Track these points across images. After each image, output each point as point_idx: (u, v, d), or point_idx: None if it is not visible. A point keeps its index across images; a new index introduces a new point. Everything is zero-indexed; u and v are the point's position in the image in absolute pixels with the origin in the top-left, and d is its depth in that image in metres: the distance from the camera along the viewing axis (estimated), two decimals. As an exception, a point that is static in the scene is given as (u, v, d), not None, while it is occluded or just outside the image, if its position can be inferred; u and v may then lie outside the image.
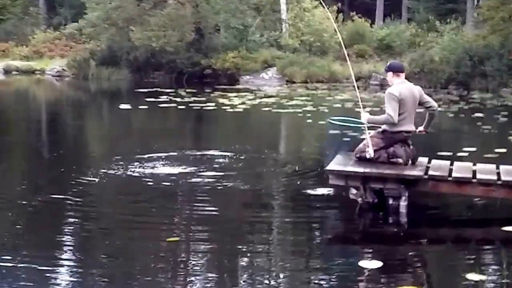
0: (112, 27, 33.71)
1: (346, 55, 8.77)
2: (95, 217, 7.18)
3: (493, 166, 7.59)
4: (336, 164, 7.61)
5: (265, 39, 33.24)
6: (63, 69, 35.53)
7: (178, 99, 21.41)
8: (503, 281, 5.27)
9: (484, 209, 7.64)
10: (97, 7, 34.46)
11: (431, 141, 13.09)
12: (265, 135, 14.94)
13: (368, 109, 8.22)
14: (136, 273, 5.41)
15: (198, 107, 19.26)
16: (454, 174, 7.17)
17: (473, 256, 6.06)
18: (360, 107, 7.93)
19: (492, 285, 5.25)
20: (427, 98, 7.85)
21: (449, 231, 6.91)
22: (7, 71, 37.36)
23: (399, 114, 7.50)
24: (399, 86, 7.65)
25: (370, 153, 7.47)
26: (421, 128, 7.96)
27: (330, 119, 8.56)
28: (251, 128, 16.73)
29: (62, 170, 9.48)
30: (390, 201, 7.36)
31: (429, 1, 39.58)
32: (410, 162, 7.57)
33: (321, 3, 9.76)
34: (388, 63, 8.07)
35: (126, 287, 5.24)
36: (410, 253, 6.12)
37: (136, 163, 9.67)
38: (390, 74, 7.79)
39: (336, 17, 35.02)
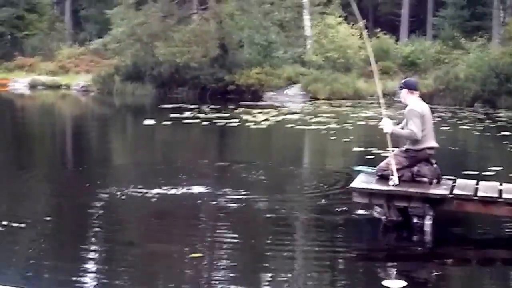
0: (137, 42, 34.09)
1: (375, 70, 8.67)
2: (118, 238, 7.12)
3: (520, 186, 7.49)
4: (360, 181, 7.59)
5: (289, 56, 33.36)
6: (88, 84, 35.92)
7: (202, 115, 21.48)
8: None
9: (510, 229, 7.52)
10: (122, 23, 34.89)
11: (457, 160, 13.00)
12: (289, 152, 14.90)
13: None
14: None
15: (222, 123, 19.29)
16: (479, 194, 7.11)
17: (499, 277, 6.01)
18: (384, 114, 7.80)
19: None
20: None
21: (474, 251, 6.83)
22: (33, 86, 37.85)
23: (421, 131, 7.50)
24: (419, 103, 7.67)
25: (394, 180, 7.36)
26: None
27: (353, 168, 8.56)
28: (275, 144, 16.71)
29: (88, 185, 9.49)
30: (415, 220, 7.31)
31: (454, 18, 39.49)
32: (435, 181, 7.52)
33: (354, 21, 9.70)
34: (403, 80, 8.04)
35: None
36: (435, 273, 6.07)
37: (159, 181, 9.62)
38: (404, 91, 7.76)
39: (361, 34, 35.07)
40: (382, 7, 46.88)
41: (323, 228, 7.57)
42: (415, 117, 7.49)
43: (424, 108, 7.66)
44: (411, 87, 7.78)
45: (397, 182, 7.37)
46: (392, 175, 7.41)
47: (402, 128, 7.74)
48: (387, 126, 7.64)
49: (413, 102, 7.66)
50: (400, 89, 7.83)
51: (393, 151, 7.64)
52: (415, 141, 7.54)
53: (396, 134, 7.72)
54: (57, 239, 7.07)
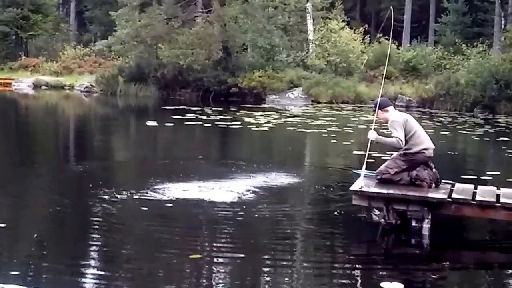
0: (141, 44, 34.21)
1: (385, 72, 8.82)
2: (119, 239, 7.10)
3: (517, 191, 7.56)
4: (360, 184, 7.66)
5: (291, 59, 33.45)
6: (91, 85, 36.07)
7: (204, 117, 21.59)
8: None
9: (507, 233, 7.63)
10: (126, 25, 35.02)
11: (455, 164, 13.09)
12: (290, 154, 14.94)
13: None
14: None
15: (224, 126, 19.39)
16: (477, 198, 7.18)
17: (495, 280, 6.08)
18: (372, 126, 8.08)
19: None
20: None
21: (471, 255, 6.91)
22: (36, 86, 37.99)
23: (413, 134, 7.68)
24: (397, 113, 7.94)
25: (361, 184, 7.59)
26: None
27: (354, 171, 8.63)
28: (276, 147, 16.77)
29: (90, 186, 9.47)
30: (413, 223, 7.35)
31: (456, 24, 39.59)
32: (433, 184, 7.63)
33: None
34: (373, 104, 8.17)
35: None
36: (432, 276, 6.12)
37: (160, 182, 9.61)
38: (379, 112, 7.98)
39: (363, 39, 35.20)
40: (385, 13, 46.95)
41: (321, 230, 7.64)
42: (397, 126, 7.68)
43: (405, 115, 7.92)
44: (383, 106, 8.00)
45: (363, 185, 7.57)
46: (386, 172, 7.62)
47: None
48: (371, 133, 7.91)
49: (392, 115, 7.88)
50: (374, 113, 8.03)
51: (391, 155, 7.78)
52: (411, 145, 7.68)
53: (380, 141, 7.94)
54: (57, 239, 7.07)
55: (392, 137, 7.76)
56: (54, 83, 38.28)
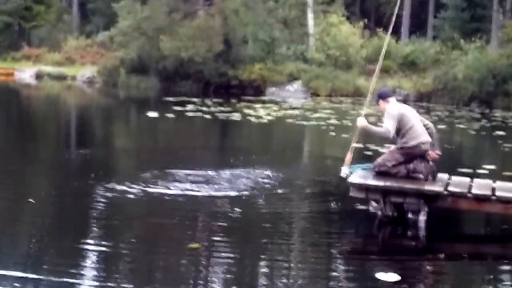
0: (143, 36, 34.31)
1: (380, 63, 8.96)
2: (116, 231, 7.08)
3: (513, 184, 7.69)
4: (357, 177, 7.77)
5: (291, 52, 33.58)
6: (93, 76, 36.14)
7: (205, 109, 21.74)
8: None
9: (502, 226, 7.74)
10: (128, 17, 35.13)
11: (452, 158, 13.24)
12: (289, 146, 15.03)
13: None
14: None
15: (224, 117, 19.55)
16: (473, 191, 7.28)
17: (490, 272, 6.17)
18: (363, 113, 8.22)
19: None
20: (422, 118, 8.18)
21: (467, 247, 6.98)
22: (38, 76, 38.09)
23: (410, 128, 7.79)
24: (396, 105, 8.03)
25: (345, 172, 7.78)
26: (437, 152, 8.09)
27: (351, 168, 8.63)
28: (275, 139, 16.93)
29: (92, 175, 9.48)
30: (410, 215, 7.48)
31: (454, 20, 39.65)
32: (430, 177, 7.76)
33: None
34: (376, 93, 8.30)
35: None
36: (428, 268, 6.19)
37: (158, 174, 9.57)
38: (381, 102, 8.11)
39: (362, 33, 35.36)
40: (385, 8, 47.07)
41: (319, 221, 7.75)
42: (390, 118, 7.79)
43: (402, 108, 8.00)
44: (384, 96, 8.14)
45: (347, 173, 7.74)
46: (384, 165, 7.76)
47: None
48: (360, 121, 8.03)
49: (390, 106, 7.99)
50: (377, 103, 8.16)
51: (389, 147, 7.95)
52: (408, 139, 7.79)
53: (369, 130, 8.04)
54: (55, 233, 7.01)
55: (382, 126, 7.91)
56: (56, 73, 38.40)
